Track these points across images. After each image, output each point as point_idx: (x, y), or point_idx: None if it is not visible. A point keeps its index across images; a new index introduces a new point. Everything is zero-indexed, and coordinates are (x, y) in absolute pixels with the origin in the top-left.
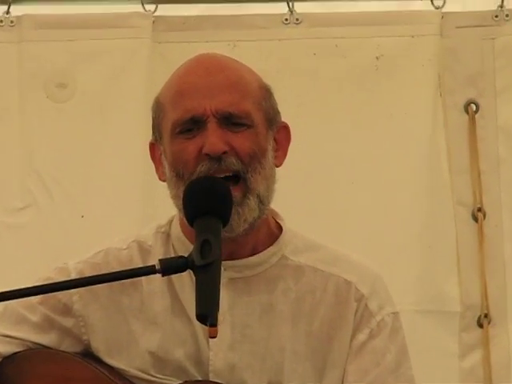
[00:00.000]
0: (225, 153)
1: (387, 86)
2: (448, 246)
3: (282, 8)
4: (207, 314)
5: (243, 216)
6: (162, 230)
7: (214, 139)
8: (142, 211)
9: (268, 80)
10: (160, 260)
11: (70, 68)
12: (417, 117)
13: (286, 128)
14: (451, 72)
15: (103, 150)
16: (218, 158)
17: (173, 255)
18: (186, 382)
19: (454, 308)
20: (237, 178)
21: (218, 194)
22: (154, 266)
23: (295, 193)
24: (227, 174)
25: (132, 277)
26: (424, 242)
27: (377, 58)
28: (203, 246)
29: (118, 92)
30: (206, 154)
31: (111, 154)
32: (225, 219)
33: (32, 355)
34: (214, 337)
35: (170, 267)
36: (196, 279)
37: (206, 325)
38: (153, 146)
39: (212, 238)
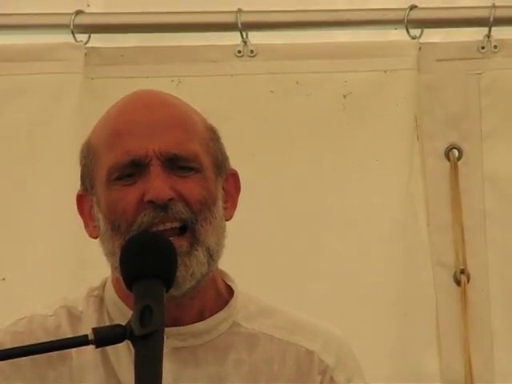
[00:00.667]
0: (171, 199)
1: (356, 128)
2: (426, 314)
3: (235, 38)
4: None
5: (191, 268)
6: (95, 293)
7: (158, 184)
8: (72, 273)
9: (217, 122)
10: (93, 329)
11: None
12: (390, 164)
13: (235, 176)
14: (430, 113)
15: (28, 204)
16: (163, 206)
17: (107, 323)
18: None
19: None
20: (184, 228)
21: (161, 252)
22: (86, 335)
23: (248, 252)
24: (173, 226)
25: (61, 349)
26: (399, 309)
27: (344, 96)
28: (143, 313)
29: (44, 137)
30: (150, 202)
31: (37, 208)
32: (168, 282)
33: None
34: None
35: (105, 337)
36: (135, 352)
37: None
38: (81, 198)
39: (153, 304)
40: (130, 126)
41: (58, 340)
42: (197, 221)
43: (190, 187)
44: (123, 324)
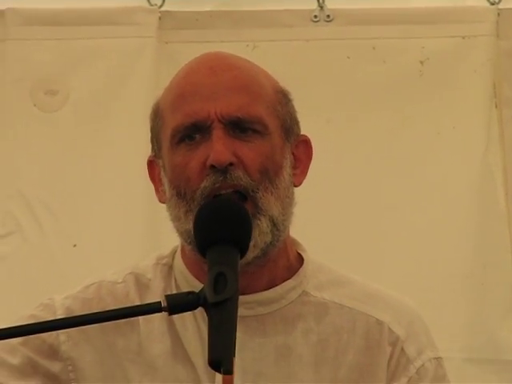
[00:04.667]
0: (231, 164)
1: (433, 95)
2: (503, 284)
3: (311, 3)
4: (221, 359)
5: (253, 239)
6: (164, 261)
7: (219, 147)
8: (144, 240)
9: (292, 88)
10: (166, 296)
11: (61, 72)
12: (468, 132)
13: (306, 142)
14: (509, 79)
15: (99, 168)
16: (223, 171)
17: (174, 291)
18: None
19: (511, 356)
20: (244, 196)
21: (235, 218)
22: (159, 302)
23: (321, 220)
24: (232, 190)
25: (133, 315)
26: (475, 280)
27: (421, 62)
28: (217, 280)
29: (117, 101)
30: (211, 166)
31: (109, 173)
32: (243, 248)
33: None
34: None
35: (178, 305)
36: (208, 319)
37: (219, 372)
38: (151, 164)
39: (228, 271)
40: (194, 87)
41: (130, 307)
42: (258, 190)
43: (252, 154)
44: (196, 291)
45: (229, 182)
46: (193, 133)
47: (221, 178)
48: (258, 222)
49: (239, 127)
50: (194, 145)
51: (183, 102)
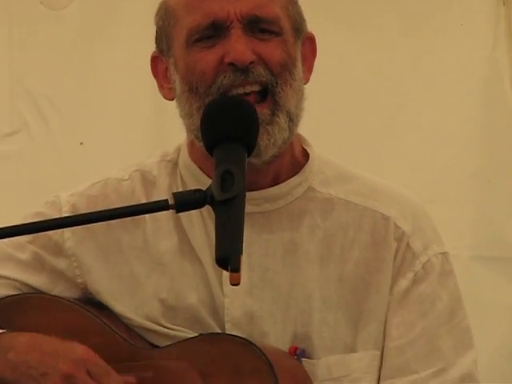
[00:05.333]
0: (252, 62)
1: None
2: (510, 182)
3: None
4: (229, 257)
5: (273, 137)
6: (168, 157)
7: (240, 46)
8: (150, 137)
9: None
10: (174, 194)
11: None
12: (474, 29)
13: (311, 39)
14: None
15: (106, 66)
16: (244, 69)
17: (180, 187)
18: (200, 334)
19: None
20: (264, 92)
21: (243, 116)
22: (166, 200)
23: (330, 119)
24: (253, 89)
25: (141, 213)
26: (482, 177)
27: None
28: (224, 178)
29: None
30: (230, 64)
31: (115, 70)
32: (250, 147)
33: (22, 301)
34: (237, 284)
35: (185, 202)
36: (216, 217)
37: (226, 270)
38: (155, 60)
39: (235, 169)
40: None
41: (137, 205)
42: (277, 84)
43: (271, 50)
44: (203, 189)
45: (250, 79)
46: (210, 32)
47: (242, 77)
48: (277, 118)
49: (257, 28)
50: (210, 43)
51: (201, 2)
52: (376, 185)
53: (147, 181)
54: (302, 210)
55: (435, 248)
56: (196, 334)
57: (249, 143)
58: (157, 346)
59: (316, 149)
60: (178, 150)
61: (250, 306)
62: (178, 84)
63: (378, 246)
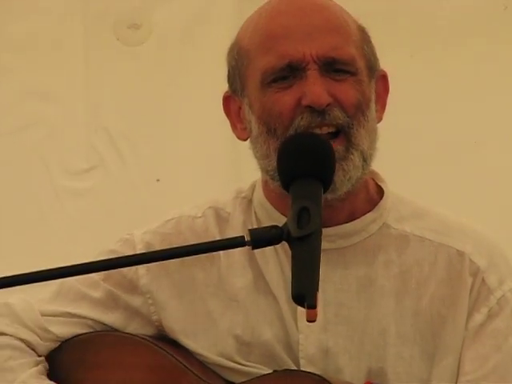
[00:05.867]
0: (328, 105)
1: None
2: None
3: None
4: (305, 293)
5: (348, 173)
6: (243, 194)
7: (317, 89)
8: (225, 174)
9: (374, 22)
10: (250, 230)
11: (144, 5)
12: None
13: (384, 77)
14: None
15: (182, 102)
16: (321, 111)
17: (255, 224)
18: (275, 371)
19: None
20: (338, 133)
21: (321, 153)
22: (242, 236)
23: (404, 156)
24: (330, 130)
25: (218, 249)
26: None
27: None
28: (301, 215)
29: (200, 35)
30: (307, 106)
31: (191, 107)
32: (326, 183)
33: (96, 338)
34: (313, 320)
35: (261, 239)
36: (292, 253)
37: (303, 306)
38: (228, 99)
39: (312, 205)
40: (286, 29)
41: (213, 241)
42: (352, 125)
43: (346, 91)
44: (280, 225)
45: (327, 121)
46: (286, 73)
47: (319, 119)
48: (351, 156)
49: (332, 68)
50: (286, 84)
51: (275, 43)
52: (450, 221)
53: (221, 218)
54: (377, 246)
55: (510, 283)
56: (271, 371)
57: (325, 179)
58: (232, 383)
59: (389, 183)
60: (253, 187)
61: (325, 342)
62: (253, 125)
63: (453, 281)
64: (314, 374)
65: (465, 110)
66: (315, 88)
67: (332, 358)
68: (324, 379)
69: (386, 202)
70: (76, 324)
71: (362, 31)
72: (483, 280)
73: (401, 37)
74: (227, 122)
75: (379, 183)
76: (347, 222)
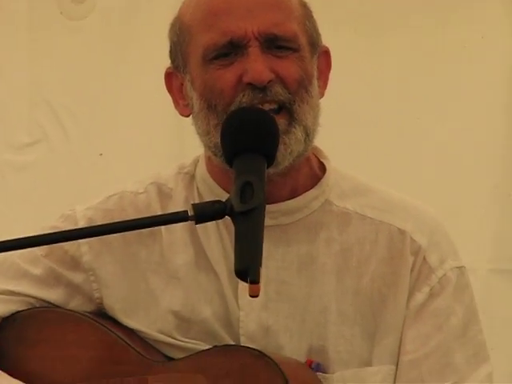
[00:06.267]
0: (270, 81)
1: (460, 2)
2: None
3: None
4: (248, 268)
5: (289, 147)
6: (185, 170)
7: (258, 66)
8: (169, 148)
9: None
10: (193, 205)
11: None
12: (496, 41)
13: (326, 53)
14: None
15: (125, 77)
16: (262, 88)
17: (197, 200)
18: (215, 346)
19: None
20: (280, 109)
21: (264, 127)
22: (186, 211)
23: (346, 133)
24: (271, 107)
25: (160, 224)
26: (502, 190)
27: None
28: (244, 189)
29: (144, 10)
30: (249, 83)
31: (134, 82)
32: (270, 158)
33: (37, 315)
34: (256, 296)
35: (205, 214)
36: (235, 228)
37: (245, 281)
38: (170, 76)
39: (255, 180)
40: (228, 5)
41: (156, 216)
42: (294, 101)
43: (288, 67)
44: (223, 200)
45: (268, 98)
46: (227, 50)
47: (260, 96)
48: (294, 129)
49: (274, 45)
50: (227, 61)
51: (217, 19)
52: (392, 198)
53: (163, 193)
54: (319, 223)
55: (451, 262)
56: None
57: (269, 154)
58: (172, 359)
59: (333, 160)
60: (196, 163)
61: (266, 320)
62: (195, 101)
63: (394, 260)
64: (254, 349)
65: (407, 86)
66: (256, 65)
67: (272, 336)
68: (263, 354)
69: (329, 178)
70: (16, 302)
71: (304, 6)
72: (424, 259)
73: (344, 12)
74: (170, 99)
75: (322, 160)
76: (290, 199)
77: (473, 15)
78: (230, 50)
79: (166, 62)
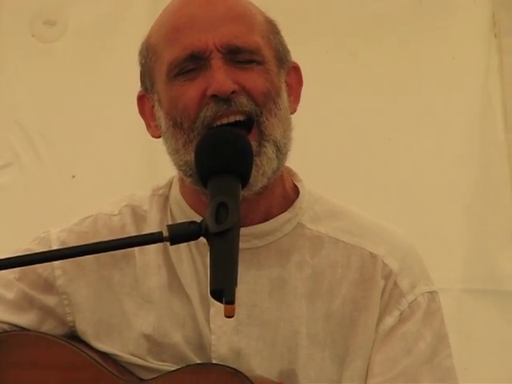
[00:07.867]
0: (234, 92)
1: (431, 24)
2: (502, 215)
3: None
4: (223, 288)
5: (261, 168)
6: (160, 192)
7: (220, 76)
8: (142, 171)
9: (290, 20)
10: (168, 226)
11: (60, 2)
12: (467, 62)
13: (296, 69)
14: (508, 8)
15: (97, 99)
16: (226, 99)
17: (170, 222)
18: (188, 366)
19: (509, 287)
20: (249, 122)
21: (237, 148)
22: (160, 232)
23: (318, 153)
24: (238, 119)
25: (135, 245)
26: (473, 211)
27: None
28: (219, 210)
29: (116, 32)
30: (212, 96)
31: (106, 104)
32: (244, 179)
33: (8, 339)
34: (231, 316)
35: (180, 235)
36: (210, 248)
37: (221, 302)
38: (142, 99)
39: (230, 201)
40: (189, 20)
41: (131, 237)
42: (261, 113)
43: (253, 79)
44: (198, 221)
45: (233, 109)
46: (191, 65)
47: (224, 107)
48: (264, 149)
49: (237, 58)
50: (191, 76)
51: (179, 34)
52: (365, 222)
53: (138, 215)
54: (291, 247)
55: (423, 287)
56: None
57: (243, 175)
58: (144, 380)
59: (306, 181)
60: (170, 184)
61: (237, 343)
62: (162, 120)
63: (365, 283)
64: (228, 367)
65: (379, 107)
66: (218, 75)
67: (244, 359)
68: (237, 371)
69: (302, 201)
70: None
71: (269, 22)
72: (395, 283)
73: (315, 32)
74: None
75: (296, 183)
76: (263, 222)
77: (444, 36)
78: (193, 64)
79: (138, 85)
